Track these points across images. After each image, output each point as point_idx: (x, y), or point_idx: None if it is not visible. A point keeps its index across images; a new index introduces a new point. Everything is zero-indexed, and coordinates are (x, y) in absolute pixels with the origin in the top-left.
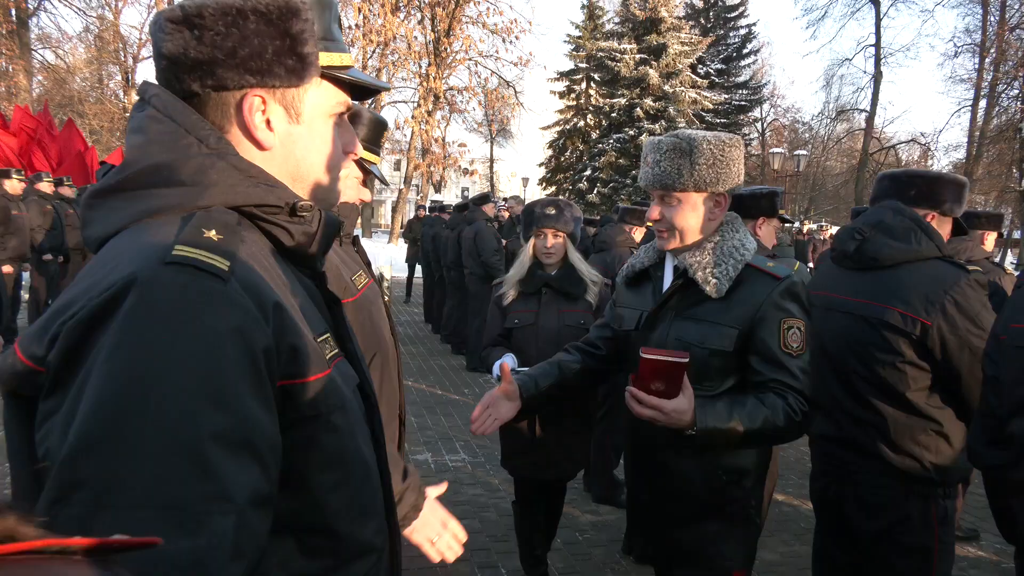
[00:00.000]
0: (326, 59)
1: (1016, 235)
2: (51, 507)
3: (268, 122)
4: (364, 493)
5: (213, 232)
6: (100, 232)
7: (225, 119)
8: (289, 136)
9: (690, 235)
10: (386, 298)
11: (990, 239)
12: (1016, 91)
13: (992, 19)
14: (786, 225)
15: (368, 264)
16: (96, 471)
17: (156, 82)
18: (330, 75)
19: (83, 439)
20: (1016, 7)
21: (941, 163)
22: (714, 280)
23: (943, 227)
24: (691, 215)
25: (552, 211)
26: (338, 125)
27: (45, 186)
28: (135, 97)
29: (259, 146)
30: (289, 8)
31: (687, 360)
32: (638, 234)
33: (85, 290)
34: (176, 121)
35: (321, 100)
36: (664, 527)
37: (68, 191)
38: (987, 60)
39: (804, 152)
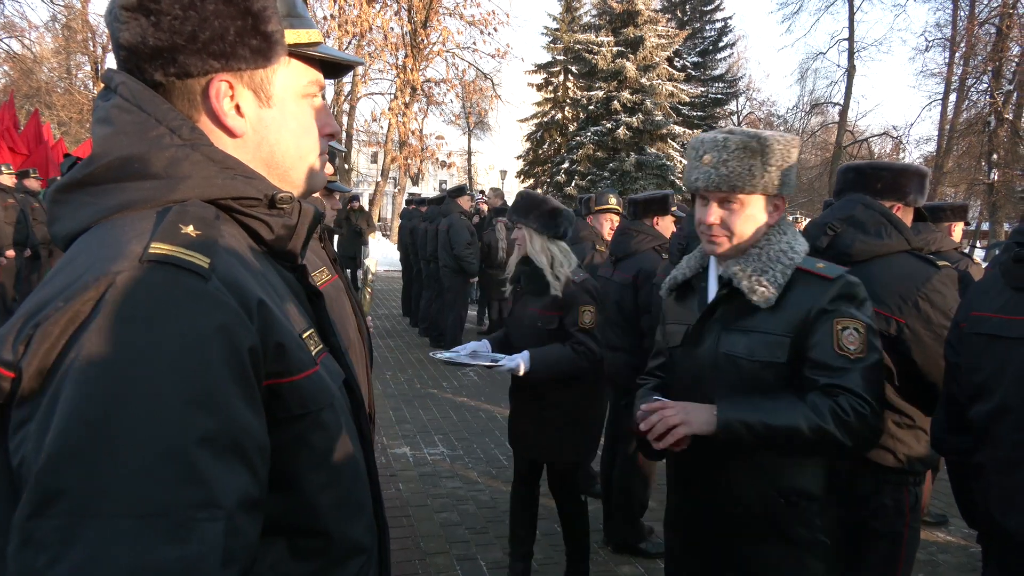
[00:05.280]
0: (292, 36)
1: (985, 226)
2: (29, 520)
3: (237, 107)
4: (354, 491)
5: (191, 227)
6: (68, 229)
7: (193, 108)
8: (261, 121)
9: (747, 241)
10: (368, 293)
11: (957, 229)
12: (985, 85)
13: (962, 14)
14: None
15: (334, 260)
16: (76, 480)
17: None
18: (299, 53)
19: (61, 447)
20: (985, 2)
21: (912, 156)
22: (761, 288)
23: (906, 217)
24: (751, 220)
25: (515, 204)
26: (313, 106)
27: (6, 179)
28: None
29: (230, 133)
30: None
31: None
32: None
33: (58, 290)
34: (145, 111)
35: (292, 80)
36: (720, 546)
37: (34, 183)
38: (957, 55)
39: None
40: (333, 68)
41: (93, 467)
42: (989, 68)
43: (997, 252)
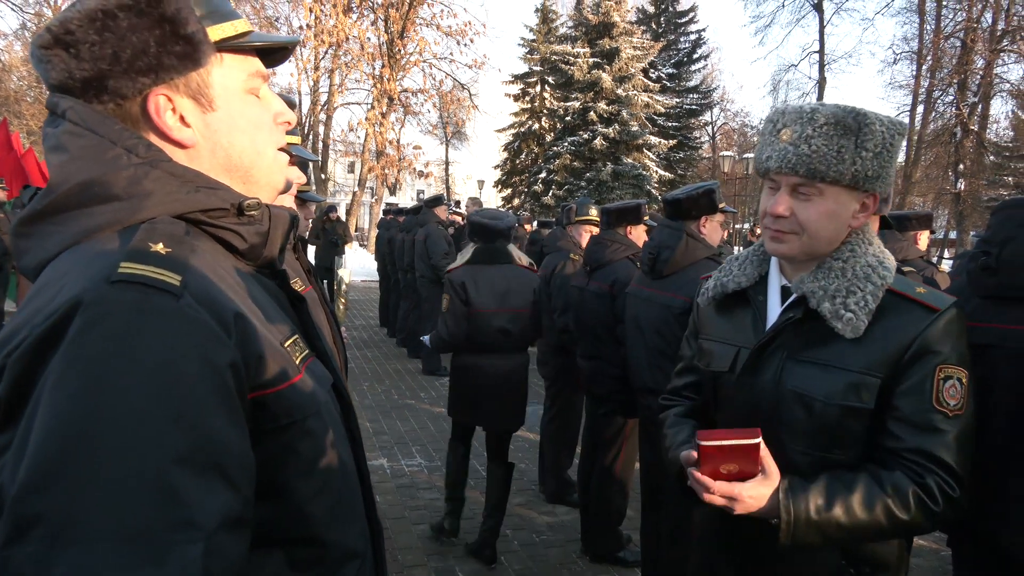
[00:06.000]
0: (217, 33)
1: (952, 235)
2: (5, 547)
3: (182, 119)
4: (345, 496)
5: (160, 245)
6: (37, 259)
7: (139, 129)
8: (208, 127)
9: (820, 245)
10: (342, 303)
11: (923, 238)
12: (951, 97)
13: (928, 28)
14: (741, 226)
15: (308, 271)
16: (51, 505)
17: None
18: (230, 47)
19: (35, 472)
20: (951, 16)
21: None
22: (848, 314)
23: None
24: (830, 217)
25: None
26: (261, 98)
27: None
28: None
29: (181, 146)
30: None
31: (759, 440)
32: (584, 236)
33: (28, 318)
34: (98, 133)
35: (230, 78)
36: None
37: (1, 194)
38: (924, 67)
39: (753, 155)
40: (273, 55)
41: (68, 491)
42: (955, 80)
43: (964, 261)
